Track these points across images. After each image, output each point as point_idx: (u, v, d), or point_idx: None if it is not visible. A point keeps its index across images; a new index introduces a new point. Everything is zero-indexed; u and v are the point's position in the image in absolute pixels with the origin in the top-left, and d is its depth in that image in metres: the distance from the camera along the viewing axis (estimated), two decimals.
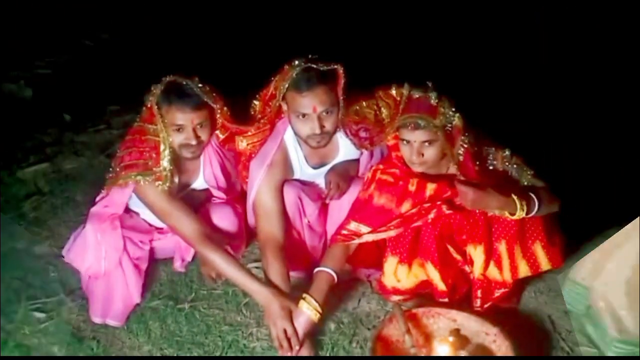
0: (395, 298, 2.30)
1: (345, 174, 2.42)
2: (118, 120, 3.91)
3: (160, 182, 2.25)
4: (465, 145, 2.11)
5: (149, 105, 2.25)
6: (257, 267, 2.55)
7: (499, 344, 2.04)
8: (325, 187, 2.40)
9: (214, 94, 2.26)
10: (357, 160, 2.47)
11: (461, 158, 2.12)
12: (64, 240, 2.55)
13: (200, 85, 2.22)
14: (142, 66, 4.19)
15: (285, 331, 2.09)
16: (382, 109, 2.35)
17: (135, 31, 5.29)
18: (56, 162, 3.54)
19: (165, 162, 2.25)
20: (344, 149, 2.42)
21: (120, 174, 2.28)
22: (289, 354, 2.10)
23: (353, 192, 2.37)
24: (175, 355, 2.23)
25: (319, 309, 2.13)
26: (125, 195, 2.35)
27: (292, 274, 2.39)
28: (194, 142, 2.27)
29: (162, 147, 2.24)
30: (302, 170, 2.43)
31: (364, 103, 2.36)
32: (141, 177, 2.24)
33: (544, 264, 2.14)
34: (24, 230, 2.90)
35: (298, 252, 2.47)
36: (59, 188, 3.28)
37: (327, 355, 2.19)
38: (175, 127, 2.24)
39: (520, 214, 2.04)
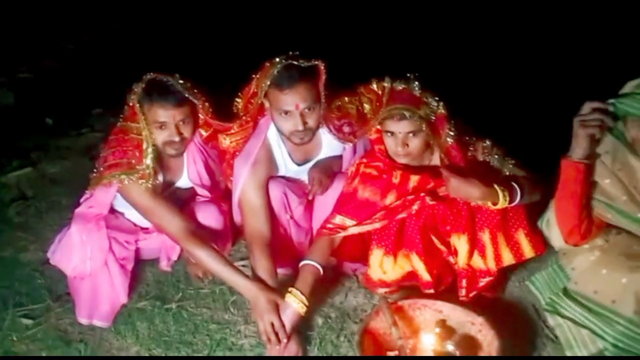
0: (382, 290, 2.32)
1: (328, 170, 2.43)
2: (101, 123, 3.91)
3: (144, 181, 2.25)
4: (452, 134, 2.14)
5: (131, 104, 2.26)
6: (244, 265, 2.55)
7: (485, 334, 2.06)
8: (308, 184, 2.41)
9: (196, 91, 2.27)
10: (341, 157, 2.48)
11: (449, 143, 2.14)
12: (50, 244, 2.53)
13: (181, 81, 2.24)
14: (125, 68, 4.17)
15: (272, 325, 2.09)
16: (365, 104, 2.36)
17: (116, 33, 5.29)
18: (40, 166, 3.54)
19: (148, 160, 2.25)
20: (327, 145, 2.44)
21: (104, 173, 2.28)
22: (277, 348, 2.10)
23: (337, 188, 2.39)
24: (164, 355, 2.23)
25: (306, 302, 2.14)
26: (109, 195, 2.34)
27: (279, 270, 2.40)
28: (177, 139, 2.27)
29: (145, 145, 2.25)
30: (287, 167, 2.44)
31: (346, 99, 2.38)
32: (125, 176, 2.25)
33: (528, 251, 2.16)
34: (9, 237, 2.90)
35: (284, 249, 2.47)
36: (44, 192, 3.28)
37: (316, 350, 2.20)
38: (158, 124, 2.24)
39: (502, 203, 2.06)
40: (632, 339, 1.81)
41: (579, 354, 1.91)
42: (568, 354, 1.94)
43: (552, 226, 2.00)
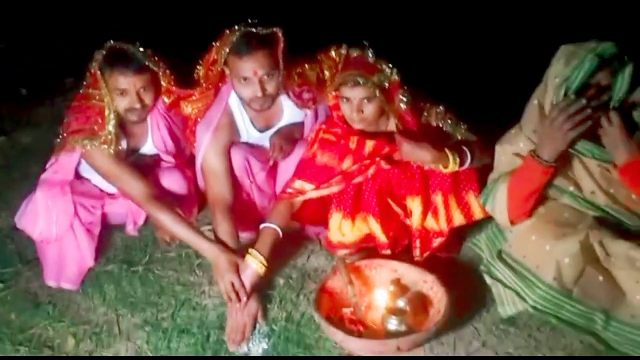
0: (342, 252, 2.39)
1: (290, 137, 2.49)
2: (75, 93, 3.90)
3: (106, 146, 2.30)
4: (405, 100, 2.20)
5: (92, 71, 2.30)
6: (210, 230, 2.61)
7: (436, 291, 2.15)
8: (269, 149, 2.47)
9: (156, 58, 2.31)
10: (302, 123, 2.54)
11: (403, 109, 2.20)
12: None
13: (141, 49, 2.28)
14: (97, 37, 4.16)
15: (232, 284, 2.17)
16: (325, 70, 2.42)
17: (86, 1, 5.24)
18: (13, 135, 3.57)
19: (110, 127, 2.30)
20: (288, 112, 2.49)
21: (67, 139, 2.34)
22: (237, 306, 2.18)
23: (299, 154, 2.44)
24: (129, 314, 2.30)
25: (265, 262, 2.22)
26: (73, 160, 2.40)
27: (244, 234, 2.47)
28: (137, 106, 2.32)
29: (107, 111, 2.30)
30: (249, 133, 2.50)
31: (306, 66, 2.44)
32: (88, 141, 2.30)
33: (478, 212, 2.24)
34: None
35: (248, 213, 2.54)
36: (16, 161, 3.32)
37: (276, 308, 2.28)
38: (119, 91, 2.29)
39: (453, 166, 2.14)
40: (550, 302, 1.91)
41: (509, 312, 2.02)
42: (500, 310, 2.05)
43: (498, 208, 2.06)
